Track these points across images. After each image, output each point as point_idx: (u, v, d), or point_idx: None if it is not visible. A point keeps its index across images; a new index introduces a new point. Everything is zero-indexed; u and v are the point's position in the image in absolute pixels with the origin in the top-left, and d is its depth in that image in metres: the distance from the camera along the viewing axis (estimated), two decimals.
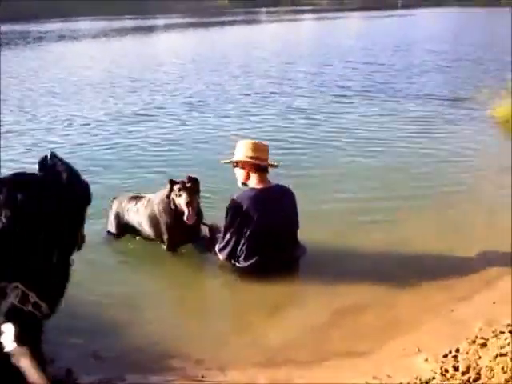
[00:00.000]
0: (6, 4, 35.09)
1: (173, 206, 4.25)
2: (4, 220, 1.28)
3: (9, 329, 1.10)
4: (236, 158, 4.11)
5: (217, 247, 4.09)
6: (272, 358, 3.15)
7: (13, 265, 1.24)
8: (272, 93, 11.17)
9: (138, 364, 3.08)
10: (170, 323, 3.54)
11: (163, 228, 4.35)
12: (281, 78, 13.05)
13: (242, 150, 4.07)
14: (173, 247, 4.40)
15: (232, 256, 4.04)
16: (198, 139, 7.86)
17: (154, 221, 4.40)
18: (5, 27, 28.92)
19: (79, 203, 1.49)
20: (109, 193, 5.09)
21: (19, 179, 1.40)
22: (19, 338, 1.10)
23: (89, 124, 8.89)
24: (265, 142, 4.23)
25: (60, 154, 1.62)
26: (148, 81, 12.93)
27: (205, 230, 4.46)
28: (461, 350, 2.99)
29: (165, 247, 4.41)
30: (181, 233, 4.31)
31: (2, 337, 1.11)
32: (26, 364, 1.08)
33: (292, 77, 13.19)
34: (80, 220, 1.49)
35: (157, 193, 4.49)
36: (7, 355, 1.09)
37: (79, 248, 1.52)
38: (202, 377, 2.96)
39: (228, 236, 3.99)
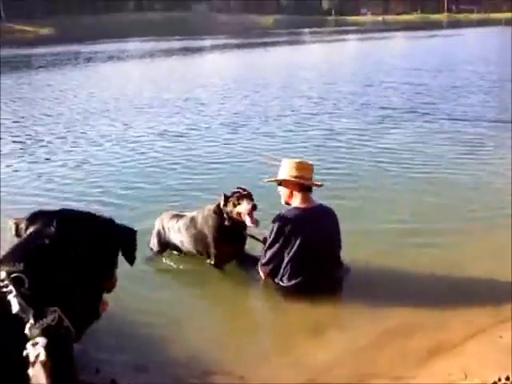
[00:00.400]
0: (59, 26, 36.64)
1: (227, 221, 4.26)
2: (51, 247, 1.38)
3: (42, 341, 1.21)
4: (280, 177, 4.13)
5: (259, 264, 4.11)
6: (313, 379, 3.13)
7: (54, 291, 1.35)
8: (314, 114, 11.19)
9: (181, 378, 3.13)
10: (212, 340, 3.57)
11: (212, 244, 4.38)
12: (323, 98, 13.07)
13: (286, 169, 4.08)
14: (220, 264, 4.42)
15: (275, 274, 4.04)
16: (240, 159, 7.95)
17: (198, 238, 4.42)
18: (58, 49, 30.17)
19: (123, 245, 1.59)
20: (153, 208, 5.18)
21: (68, 214, 1.52)
22: (49, 352, 1.21)
23: (135, 142, 9.13)
24: (309, 162, 4.23)
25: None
26: (192, 100, 13.19)
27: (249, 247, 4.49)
28: (511, 378, 2.90)
29: (210, 262, 4.44)
30: (228, 249, 4.36)
31: (33, 347, 1.21)
32: (40, 378, 1.17)
33: (334, 97, 13.20)
34: (115, 261, 1.59)
35: (198, 210, 4.55)
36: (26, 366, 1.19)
37: (110, 291, 1.61)
38: None
39: (270, 253, 4.01)
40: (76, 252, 1.42)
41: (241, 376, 3.13)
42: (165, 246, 4.72)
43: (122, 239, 1.58)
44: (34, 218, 1.50)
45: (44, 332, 1.24)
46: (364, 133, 9.36)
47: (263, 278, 4.11)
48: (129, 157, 8.23)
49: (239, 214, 4.19)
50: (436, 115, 10.69)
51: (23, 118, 11.66)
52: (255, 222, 4.15)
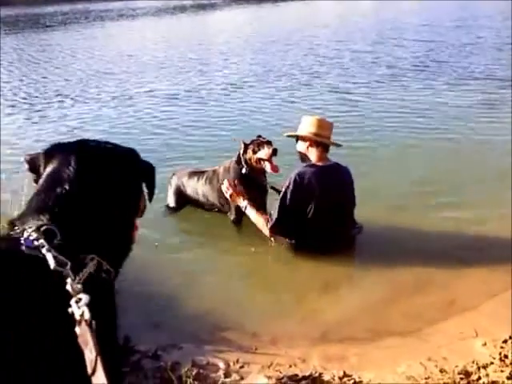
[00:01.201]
0: None
1: (246, 169, 4.27)
2: (73, 190, 1.31)
3: (85, 297, 1.17)
4: (299, 133, 4.09)
5: (267, 221, 4.02)
6: (326, 334, 3.16)
7: (88, 235, 1.30)
8: (320, 72, 11.01)
9: (194, 334, 3.16)
10: (225, 296, 3.59)
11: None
12: (329, 57, 12.80)
13: (306, 125, 4.05)
14: (240, 218, 4.42)
15: (288, 232, 4.03)
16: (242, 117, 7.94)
17: (221, 190, 4.39)
18: (67, 7, 29.75)
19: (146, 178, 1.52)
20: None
21: (85, 149, 1.42)
22: (93, 308, 1.17)
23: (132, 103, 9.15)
24: (329, 120, 4.18)
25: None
26: (199, 60, 13.04)
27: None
28: None
29: (231, 217, 4.45)
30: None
31: (76, 304, 1.18)
32: (86, 336, 1.13)
33: (342, 55, 12.93)
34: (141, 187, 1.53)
35: (220, 164, 4.56)
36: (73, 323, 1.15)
37: (141, 215, 1.56)
38: (256, 349, 3.00)
39: (282, 212, 3.93)
40: (101, 188, 1.35)
41: (253, 332, 3.16)
42: (183, 202, 4.74)
43: (144, 170, 1.51)
44: (51, 152, 1.40)
45: (86, 285, 1.18)
46: (372, 91, 9.23)
47: (269, 236, 4.07)
48: (133, 117, 8.22)
49: (259, 160, 4.20)
50: (443, 73, 10.44)
51: (29, 78, 11.61)
52: (276, 168, 4.14)
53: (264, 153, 4.16)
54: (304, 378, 2.71)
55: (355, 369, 2.77)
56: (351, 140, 6.20)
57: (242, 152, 4.29)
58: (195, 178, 4.67)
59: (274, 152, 4.12)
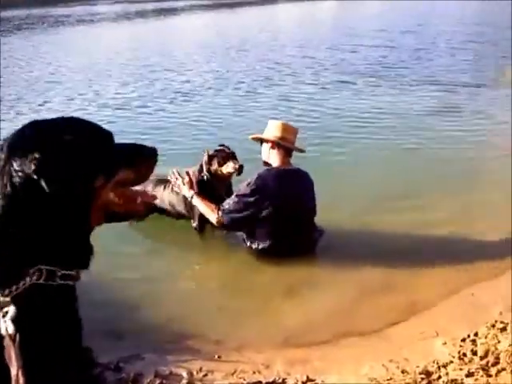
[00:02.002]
0: None
1: (207, 177, 4.27)
2: (12, 190, 1.17)
3: (11, 310, 1.11)
4: (263, 136, 4.13)
5: (221, 210, 3.97)
6: (289, 338, 3.17)
7: (30, 244, 1.18)
8: (268, 79, 10.85)
9: (157, 343, 3.12)
10: (187, 303, 3.56)
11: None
12: (279, 63, 12.61)
13: (270, 129, 4.10)
14: (202, 226, 4.39)
15: (249, 236, 4.04)
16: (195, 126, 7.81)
17: (185, 199, 4.38)
18: (23, 12, 29.11)
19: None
20: None
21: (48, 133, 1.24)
22: (15, 321, 1.12)
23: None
24: (294, 125, 4.24)
25: None
26: (149, 67, 12.63)
27: None
28: (479, 334, 2.97)
29: (194, 225, 4.42)
30: None
31: (3, 318, 1.12)
32: (10, 351, 1.10)
33: (292, 61, 12.76)
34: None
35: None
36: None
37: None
38: (219, 356, 2.98)
39: (239, 203, 3.90)
40: (60, 182, 1.17)
41: (216, 339, 3.14)
42: (150, 210, 4.68)
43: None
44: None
45: (29, 297, 1.13)
46: (316, 97, 9.24)
47: (216, 224, 4.04)
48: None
49: (228, 173, 4.24)
50: (394, 79, 10.45)
51: None
52: None
53: (230, 168, 4.21)
54: None
55: (318, 372, 2.79)
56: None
57: (205, 161, 4.29)
58: (161, 187, 4.62)
59: (240, 169, 4.17)
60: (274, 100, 9.16)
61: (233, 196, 3.99)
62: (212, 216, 4.03)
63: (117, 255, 4.07)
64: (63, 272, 1.21)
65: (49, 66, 13.47)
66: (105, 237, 4.12)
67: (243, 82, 10.59)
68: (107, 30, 22.82)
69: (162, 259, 4.15)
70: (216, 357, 2.98)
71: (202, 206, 4.13)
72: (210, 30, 21.03)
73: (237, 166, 4.17)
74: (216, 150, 4.31)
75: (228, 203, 3.96)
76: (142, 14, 28.35)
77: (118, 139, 1.36)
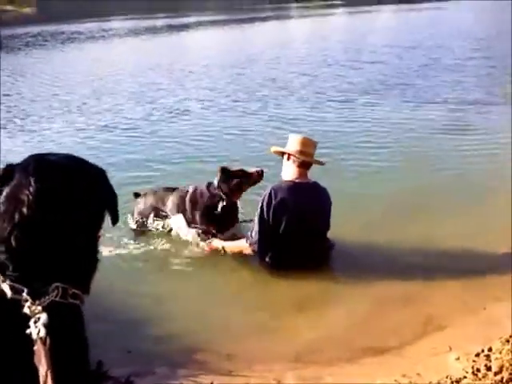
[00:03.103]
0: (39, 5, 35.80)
1: (223, 198, 4.38)
2: (32, 213, 1.29)
3: (43, 317, 1.21)
4: (285, 150, 4.16)
5: (249, 239, 4.06)
6: (301, 354, 3.15)
7: (46, 261, 1.30)
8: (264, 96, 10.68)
9: (168, 357, 3.12)
10: (199, 318, 3.55)
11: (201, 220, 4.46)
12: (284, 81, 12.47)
13: (292, 143, 4.13)
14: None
15: (261, 250, 4.03)
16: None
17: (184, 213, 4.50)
18: (37, 28, 29.54)
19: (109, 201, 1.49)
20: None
21: (44, 166, 1.37)
22: (52, 329, 1.21)
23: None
24: (314, 139, 4.26)
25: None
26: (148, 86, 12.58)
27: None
28: (493, 350, 2.93)
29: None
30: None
31: (34, 324, 1.22)
32: (41, 353, 1.19)
33: (295, 80, 12.50)
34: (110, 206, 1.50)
35: (191, 187, 4.58)
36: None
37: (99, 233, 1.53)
38: (230, 371, 2.97)
39: (259, 228, 3.97)
40: (59, 210, 1.32)
41: (227, 354, 3.14)
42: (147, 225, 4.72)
43: (107, 195, 1.47)
44: (10, 170, 1.36)
45: (46, 308, 1.23)
46: (315, 114, 9.12)
47: (252, 253, 4.09)
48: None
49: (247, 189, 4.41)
50: (381, 96, 10.27)
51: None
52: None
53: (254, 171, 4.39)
54: None
55: None
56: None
57: (220, 180, 4.39)
58: (164, 199, 4.67)
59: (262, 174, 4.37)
60: (268, 118, 9.01)
61: (254, 221, 4.03)
62: (246, 249, 4.11)
63: (129, 271, 4.10)
64: (73, 291, 1.32)
65: (53, 83, 13.54)
66: (117, 255, 4.22)
67: (237, 101, 10.40)
68: (116, 46, 23.05)
69: (172, 274, 4.16)
70: (227, 371, 2.97)
71: (234, 246, 4.26)
72: (215, 46, 21.09)
73: (259, 170, 4.33)
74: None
75: (253, 230, 4.03)
76: (152, 31, 28.67)
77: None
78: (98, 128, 8.81)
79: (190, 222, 4.50)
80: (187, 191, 4.57)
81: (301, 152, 4.06)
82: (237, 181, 4.39)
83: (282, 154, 4.19)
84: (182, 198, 4.55)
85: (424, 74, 12.52)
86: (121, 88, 12.41)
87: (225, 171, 4.39)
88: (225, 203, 4.39)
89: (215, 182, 4.43)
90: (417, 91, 10.62)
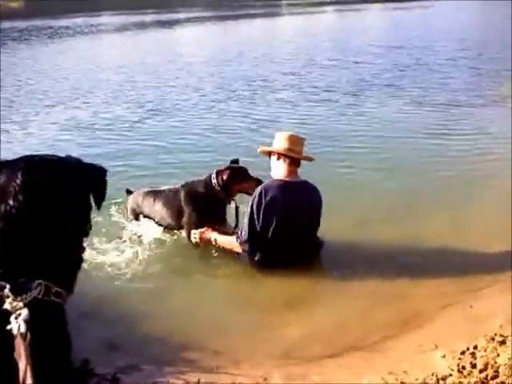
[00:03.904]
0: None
1: (218, 193, 4.33)
2: (18, 206, 1.30)
3: (23, 312, 1.22)
4: (273, 149, 4.13)
5: (239, 238, 4.05)
6: (288, 352, 3.15)
7: (31, 257, 1.31)
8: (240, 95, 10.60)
9: (155, 355, 3.11)
10: (187, 316, 3.54)
11: (192, 218, 4.41)
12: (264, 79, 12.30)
13: (279, 141, 4.10)
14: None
15: (252, 249, 4.02)
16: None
17: (180, 212, 4.45)
18: (25, 23, 29.25)
19: (94, 185, 1.50)
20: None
21: (34, 162, 1.39)
22: (33, 325, 1.21)
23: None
24: (301, 135, 4.23)
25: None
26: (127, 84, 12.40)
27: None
28: (479, 347, 2.95)
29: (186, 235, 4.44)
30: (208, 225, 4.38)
31: (16, 320, 1.22)
32: (20, 348, 1.19)
33: (275, 78, 12.35)
34: (97, 203, 1.51)
35: (183, 184, 4.54)
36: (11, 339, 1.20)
37: (87, 234, 1.54)
38: (217, 369, 2.97)
39: (249, 227, 3.96)
40: (47, 206, 1.34)
41: (215, 352, 3.13)
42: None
43: (92, 179, 1.48)
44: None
45: (28, 305, 1.25)
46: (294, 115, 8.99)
47: (242, 252, 4.08)
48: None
49: (244, 189, 4.33)
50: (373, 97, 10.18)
51: None
52: None
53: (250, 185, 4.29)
54: None
55: None
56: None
57: (216, 177, 4.35)
58: (151, 199, 4.62)
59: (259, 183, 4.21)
60: (246, 117, 8.91)
61: (244, 220, 4.02)
62: (237, 247, 4.09)
63: (115, 268, 4.07)
64: (56, 289, 1.34)
65: (37, 78, 13.43)
66: (103, 250, 4.20)
67: (215, 101, 10.24)
68: (103, 42, 22.85)
69: (160, 272, 4.13)
70: (214, 369, 2.97)
71: (226, 241, 4.22)
72: (201, 43, 20.90)
73: (253, 184, 4.23)
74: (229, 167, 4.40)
75: (243, 230, 4.02)
76: (139, 26, 28.50)
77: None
78: (73, 125, 8.68)
79: (179, 220, 4.47)
80: (175, 189, 4.55)
81: (289, 150, 4.04)
82: (237, 178, 4.33)
83: (270, 153, 4.16)
84: (174, 196, 4.52)
85: (409, 74, 12.47)
86: (101, 85, 12.24)
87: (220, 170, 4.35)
88: (216, 193, 4.33)
89: (214, 176, 4.37)
90: (402, 91, 10.57)
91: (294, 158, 4.05)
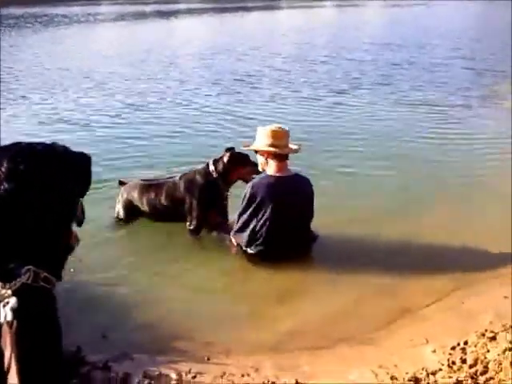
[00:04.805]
0: None
1: (220, 182, 4.30)
2: (4, 193, 1.29)
3: (12, 301, 1.21)
4: (255, 147, 4.04)
5: (232, 232, 4.09)
6: (279, 342, 3.16)
7: (20, 243, 1.31)
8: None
9: (146, 344, 3.11)
10: (179, 306, 3.54)
11: (196, 208, 4.37)
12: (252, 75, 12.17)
13: (261, 138, 3.98)
14: (199, 228, 4.41)
15: (243, 241, 4.02)
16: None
17: (181, 203, 4.40)
18: (21, 10, 29.01)
19: (82, 171, 1.48)
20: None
21: (20, 149, 1.39)
22: (16, 311, 1.21)
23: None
24: (285, 128, 4.07)
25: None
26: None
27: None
28: (469, 343, 2.97)
29: (190, 228, 4.41)
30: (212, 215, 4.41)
31: (3, 308, 1.22)
32: (6, 336, 1.20)
33: (265, 74, 12.28)
34: (82, 190, 1.49)
35: (179, 175, 4.50)
36: None
37: (80, 224, 1.53)
38: (208, 359, 2.98)
39: (242, 221, 3.98)
40: (35, 193, 1.33)
41: (206, 341, 3.14)
42: (134, 215, 4.65)
43: (78, 167, 1.47)
44: None
45: (17, 291, 1.24)
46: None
47: (235, 245, 4.09)
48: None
49: (243, 175, 4.28)
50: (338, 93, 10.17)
51: None
52: None
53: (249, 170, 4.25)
54: None
55: (307, 377, 2.78)
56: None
57: (214, 164, 4.30)
58: (148, 191, 4.58)
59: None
60: (229, 113, 8.79)
61: (237, 214, 4.03)
62: (232, 240, 4.12)
63: (107, 257, 4.07)
64: (45, 275, 1.33)
65: (28, 67, 13.31)
66: (95, 239, 4.19)
67: (199, 95, 10.13)
68: (99, 31, 22.69)
69: (152, 262, 4.12)
70: (205, 359, 2.97)
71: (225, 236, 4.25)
72: (194, 36, 20.65)
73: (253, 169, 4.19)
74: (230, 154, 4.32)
75: (234, 225, 4.04)
76: (139, 16, 28.34)
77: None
78: (53, 120, 8.52)
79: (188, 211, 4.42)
80: (173, 183, 4.50)
81: (272, 145, 3.91)
82: (237, 163, 4.29)
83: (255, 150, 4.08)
84: (173, 186, 4.47)
85: (402, 72, 12.40)
86: (88, 77, 12.09)
87: (219, 158, 4.31)
88: (217, 181, 4.30)
89: (211, 163, 4.32)
90: (393, 90, 10.50)
91: (280, 154, 3.94)
